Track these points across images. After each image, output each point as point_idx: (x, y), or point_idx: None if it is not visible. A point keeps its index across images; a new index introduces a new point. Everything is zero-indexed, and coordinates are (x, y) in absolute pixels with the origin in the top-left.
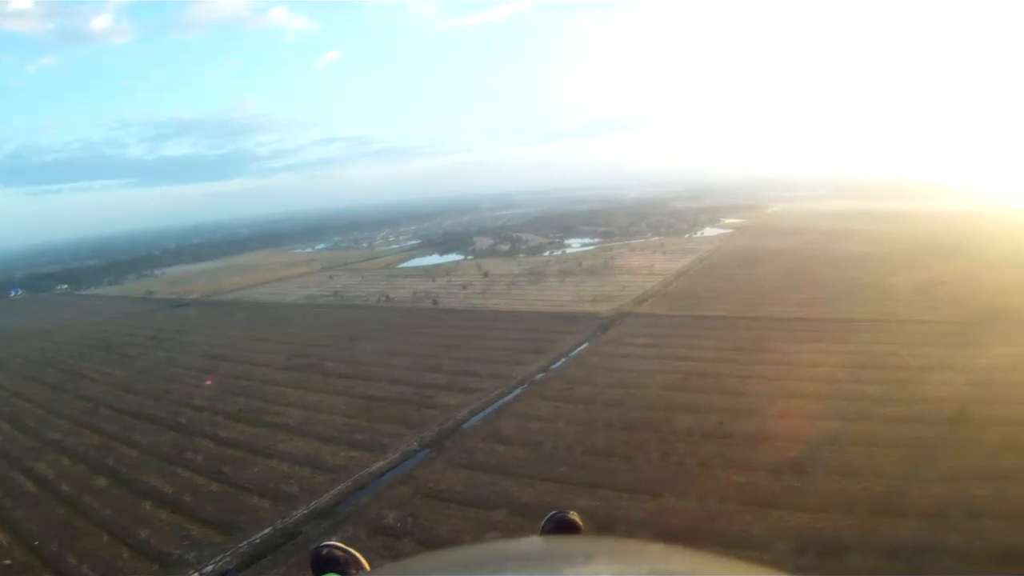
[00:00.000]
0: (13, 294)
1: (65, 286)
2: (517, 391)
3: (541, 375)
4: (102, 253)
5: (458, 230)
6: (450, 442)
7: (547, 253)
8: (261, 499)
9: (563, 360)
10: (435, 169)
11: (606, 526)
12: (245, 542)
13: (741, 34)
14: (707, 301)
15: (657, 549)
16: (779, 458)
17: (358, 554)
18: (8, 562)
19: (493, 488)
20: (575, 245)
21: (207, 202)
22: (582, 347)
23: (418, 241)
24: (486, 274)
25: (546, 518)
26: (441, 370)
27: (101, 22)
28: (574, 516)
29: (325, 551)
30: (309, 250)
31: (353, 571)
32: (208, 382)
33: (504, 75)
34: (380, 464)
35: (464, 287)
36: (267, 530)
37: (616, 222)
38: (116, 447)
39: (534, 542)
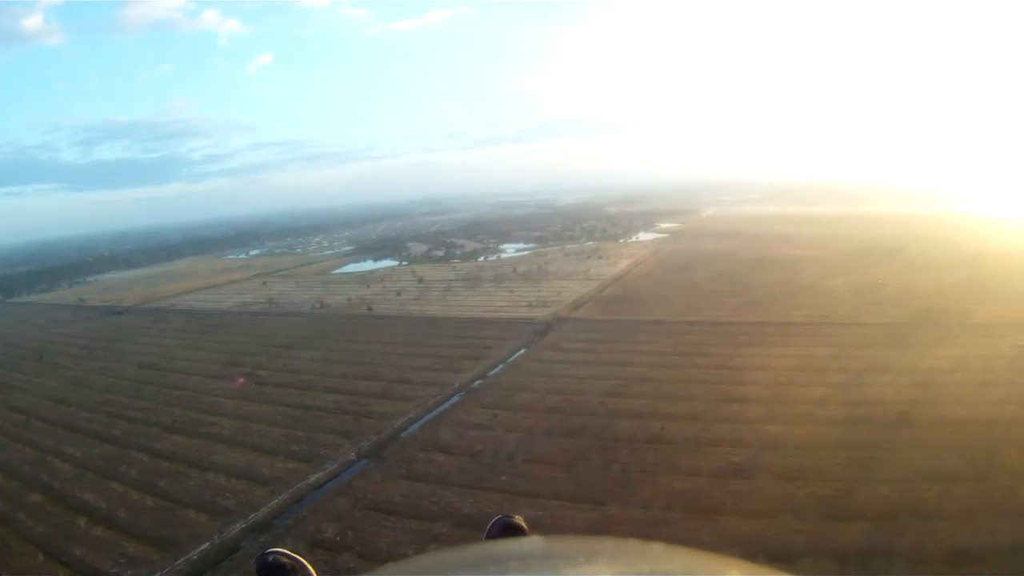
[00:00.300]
0: None
1: None
2: (455, 399)
3: (479, 382)
4: (34, 259)
5: (392, 235)
6: (388, 452)
7: (482, 258)
8: (198, 513)
9: (501, 366)
10: (369, 174)
11: None
12: (183, 558)
13: (682, 37)
14: (644, 305)
15: (657, 549)
16: (723, 463)
17: (304, 560)
18: None
19: (433, 499)
20: (510, 250)
21: (141, 207)
22: (519, 353)
23: (352, 247)
24: (421, 280)
25: (491, 523)
26: (377, 378)
27: (32, 22)
28: (519, 520)
29: (271, 558)
30: (243, 256)
31: None
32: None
33: (438, 81)
34: (318, 475)
35: (399, 293)
36: (205, 545)
37: (551, 227)
38: (50, 461)
39: (534, 542)
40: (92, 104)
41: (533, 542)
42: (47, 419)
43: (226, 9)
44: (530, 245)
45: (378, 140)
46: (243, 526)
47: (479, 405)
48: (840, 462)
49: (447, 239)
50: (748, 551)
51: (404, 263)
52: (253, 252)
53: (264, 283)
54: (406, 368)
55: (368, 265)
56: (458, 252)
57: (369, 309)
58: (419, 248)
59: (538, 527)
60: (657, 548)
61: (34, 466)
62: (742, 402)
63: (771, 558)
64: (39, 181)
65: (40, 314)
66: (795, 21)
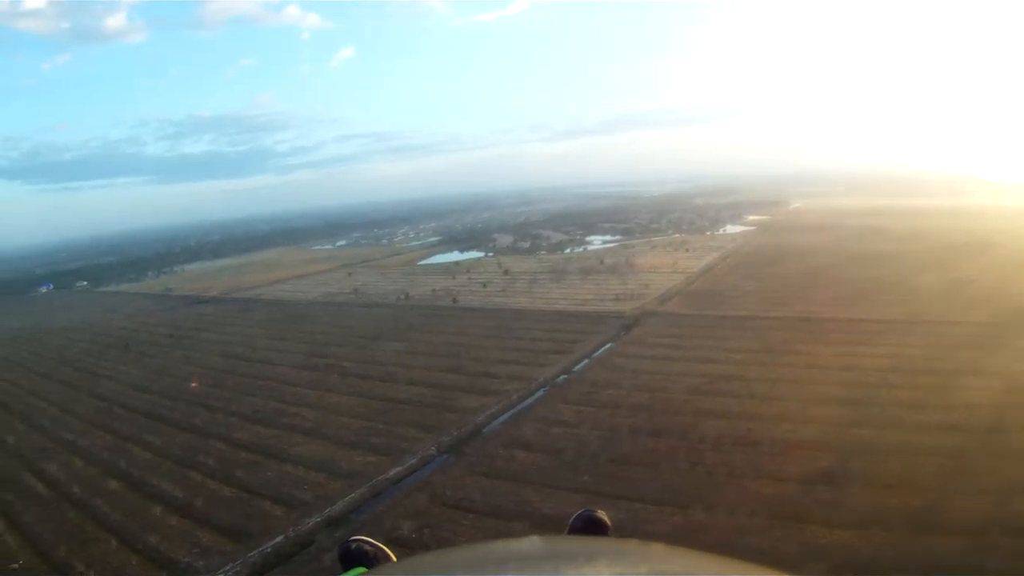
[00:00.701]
0: (44, 289)
1: (85, 283)
2: (539, 394)
3: (563, 377)
4: (122, 250)
5: (478, 227)
6: (469, 447)
7: (568, 250)
8: (274, 505)
9: (586, 361)
10: (455, 166)
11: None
12: (256, 551)
13: (766, 28)
14: (732, 300)
15: (657, 549)
16: (810, 468)
17: (387, 549)
18: (15, 566)
19: (513, 497)
20: (596, 242)
21: (227, 199)
22: (605, 347)
23: (438, 238)
24: (506, 272)
25: (574, 516)
26: (461, 371)
27: (115, 21)
28: (602, 515)
29: (354, 546)
30: (329, 247)
31: (382, 565)
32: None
33: (521, 72)
34: (397, 470)
35: (484, 285)
36: (279, 538)
37: (637, 219)
38: (129, 448)
39: (534, 542)
40: (176, 99)
41: (533, 542)
42: (129, 406)
43: (307, 4)
44: (616, 237)
45: (462, 132)
46: (318, 519)
47: (563, 401)
48: (932, 470)
49: (533, 230)
50: (834, 564)
51: (490, 254)
52: (339, 243)
53: (349, 274)
54: (490, 362)
55: (454, 256)
56: (544, 243)
57: (454, 301)
58: (505, 239)
59: (619, 531)
60: (657, 548)
61: (113, 453)
62: (832, 403)
63: (857, 573)
64: (126, 174)
65: (127, 303)
66: (882, 12)
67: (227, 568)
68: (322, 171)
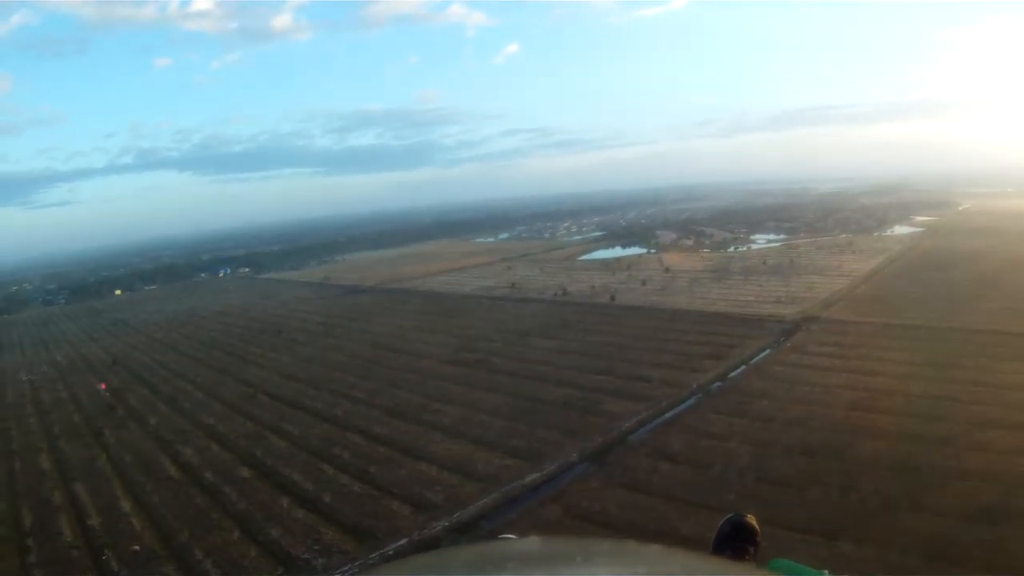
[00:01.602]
0: (222, 273)
1: (247, 269)
2: (690, 401)
3: (718, 384)
4: (287, 239)
5: (641, 223)
6: (612, 455)
7: (731, 249)
8: (402, 505)
9: (742, 368)
10: (618, 161)
11: None
12: (377, 553)
13: (939, 22)
14: (898, 308)
15: (656, 550)
16: (973, 502)
17: None
18: (136, 548)
19: (652, 514)
20: (760, 241)
21: (393, 190)
22: (763, 354)
23: (601, 233)
24: (667, 269)
25: (724, 520)
26: (612, 373)
27: (281, 21)
28: (751, 520)
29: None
30: (491, 240)
31: None
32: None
33: (684, 67)
34: (534, 476)
35: (644, 283)
36: (403, 541)
37: (803, 218)
38: (267, 437)
39: (534, 542)
40: (343, 95)
41: (532, 542)
42: (273, 394)
43: (472, 3)
44: (781, 236)
45: (627, 127)
46: (446, 524)
47: (715, 411)
48: None
49: (696, 227)
50: None
51: (652, 251)
52: (502, 236)
53: (509, 267)
54: (643, 364)
55: (615, 252)
56: (707, 241)
57: (612, 299)
58: (668, 236)
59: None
60: (656, 549)
61: (251, 440)
62: (999, 428)
63: None
64: (294, 165)
65: (285, 291)
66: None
67: (345, 569)
68: (487, 164)
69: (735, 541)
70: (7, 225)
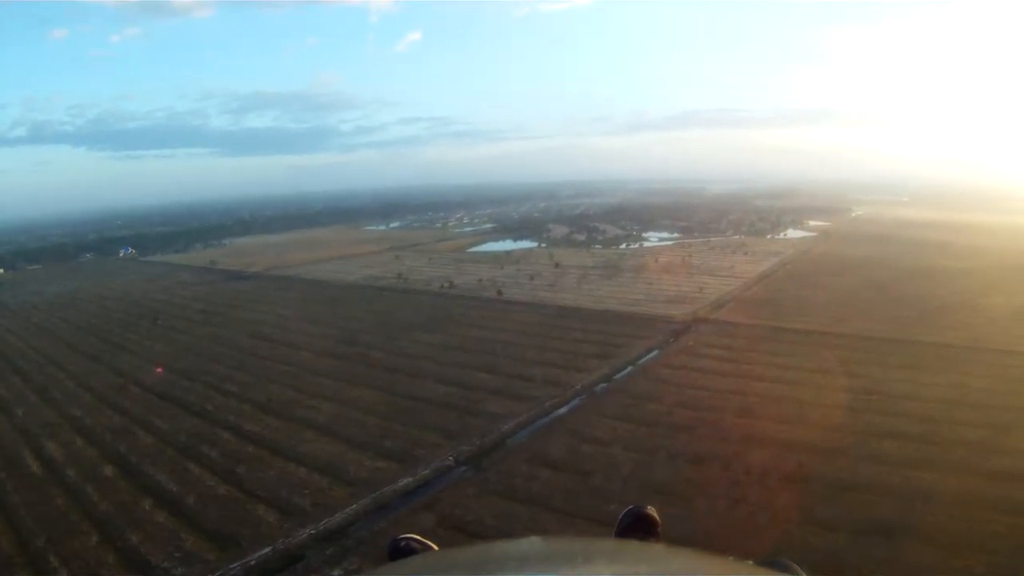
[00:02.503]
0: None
1: (132, 251)
2: (574, 402)
3: (603, 386)
4: (177, 220)
5: (534, 216)
6: (490, 460)
7: (623, 246)
8: (268, 510)
9: (629, 369)
10: (516, 154)
11: None
12: (239, 562)
13: (846, 27)
14: (789, 311)
15: (656, 549)
16: (864, 516)
17: (435, 547)
18: None
19: (529, 525)
20: (653, 239)
21: (289, 174)
22: (651, 355)
23: (492, 225)
24: (557, 264)
25: (623, 512)
26: (495, 371)
27: None
28: (652, 512)
29: (403, 543)
30: (383, 227)
31: None
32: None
33: (585, 63)
34: (406, 481)
35: (532, 277)
36: (267, 550)
37: (696, 217)
38: (134, 431)
39: (534, 542)
40: (242, 75)
41: (532, 542)
42: (145, 385)
43: None
44: (674, 235)
45: (525, 121)
46: (312, 532)
47: (599, 414)
48: (1001, 529)
49: (590, 223)
50: None
51: (543, 245)
52: (393, 224)
53: (397, 257)
54: (527, 362)
55: (506, 245)
56: (600, 237)
57: (499, 293)
58: (560, 230)
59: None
60: (656, 548)
61: (117, 435)
62: (891, 438)
63: None
64: (190, 145)
65: (168, 275)
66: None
67: None
68: (385, 152)
69: (636, 533)
70: None
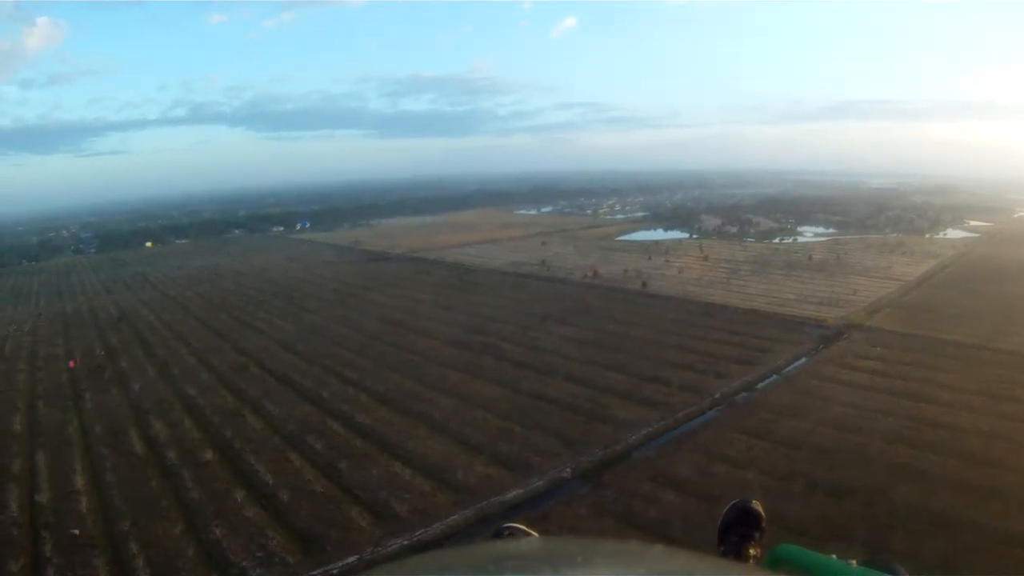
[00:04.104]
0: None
1: (281, 228)
2: (710, 414)
3: (744, 395)
4: (329, 199)
5: (687, 205)
6: (610, 475)
7: (776, 240)
8: (363, 513)
9: (773, 378)
10: (670, 141)
11: None
12: (320, 570)
13: (1012, 17)
14: (950, 321)
15: (657, 550)
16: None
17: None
18: (76, 532)
19: None
20: (807, 234)
21: (444, 157)
22: (798, 363)
23: (644, 213)
24: (706, 257)
25: (729, 506)
26: (627, 371)
27: None
28: (757, 506)
29: (507, 532)
30: (533, 212)
31: None
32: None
33: (741, 52)
34: (516, 492)
35: (680, 270)
36: (352, 559)
37: (853, 212)
38: (244, 415)
39: (534, 542)
40: (397, 59)
41: (532, 542)
42: (266, 366)
43: None
44: (830, 230)
45: (679, 108)
46: (405, 542)
47: (736, 429)
48: None
49: (742, 214)
50: None
51: (694, 236)
52: (544, 209)
53: (544, 243)
54: (664, 364)
55: (656, 234)
56: (752, 230)
57: (644, 285)
58: (712, 221)
59: None
60: (656, 549)
61: (226, 418)
62: None
63: None
64: (346, 127)
65: (311, 253)
66: None
67: None
68: (540, 136)
69: (741, 527)
70: (58, 172)
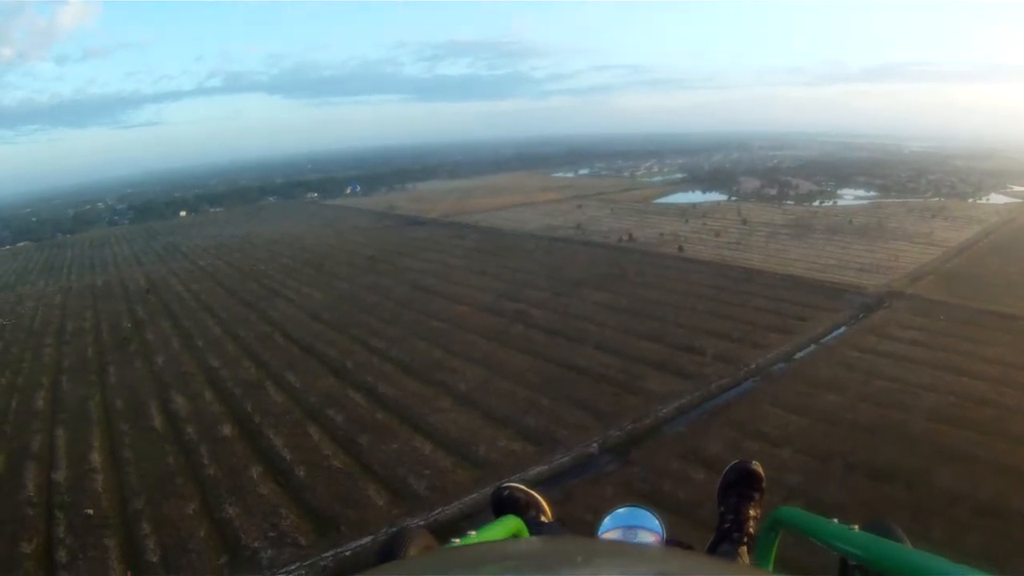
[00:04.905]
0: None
1: (315, 194)
2: (746, 385)
3: (781, 366)
4: (365, 164)
5: (725, 168)
6: (639, 451)
7: (816, 203)
8: (380, 490)
9: (812, 348)
10: (709, 103)
11: None
12: (331, 552)
13: None
14: (994, 290)
15: (658, 550)
16: None
17: (540, 498)
18: (90, 512)
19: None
20: (848, 197)
21: (482, 121)
22: (838, 332)
23: (682, 175)
24: (745, 221)
25: (728, 467)
26: (661, 339)
27: None
28: (757, 467)
29: (506, 492)
30: (570, 175)
31: (534, 513)
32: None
33: (782, 12)
34: (540, 469)
35: (717, 234)
36: (365, 539)
37: (894, 175)
38: (266, 388)
39: (534, 542)
40: (435, 24)
41: (532, 542)
42: (291, 336)
43: None
44: (871, 194)
45: (718, 70)
46: (421, 522)
47: (771, 402)
48: None
49: (781, 177)
50: None
51: (732, 199)
52: (581, 171)
53: (579, 206)
54: (699, 331)
55: (694, 197)
56: (791, 193)
57: (680, 249)
58: (751, 184)
59: None
60: (657, 549)
61: (248, 391)
62: None
63: None
64: (384, 92)
65: (345, 218)
66: None
67: (291, 568)
68: (577, 98)
69: (741, 487)
70: (94, 145)
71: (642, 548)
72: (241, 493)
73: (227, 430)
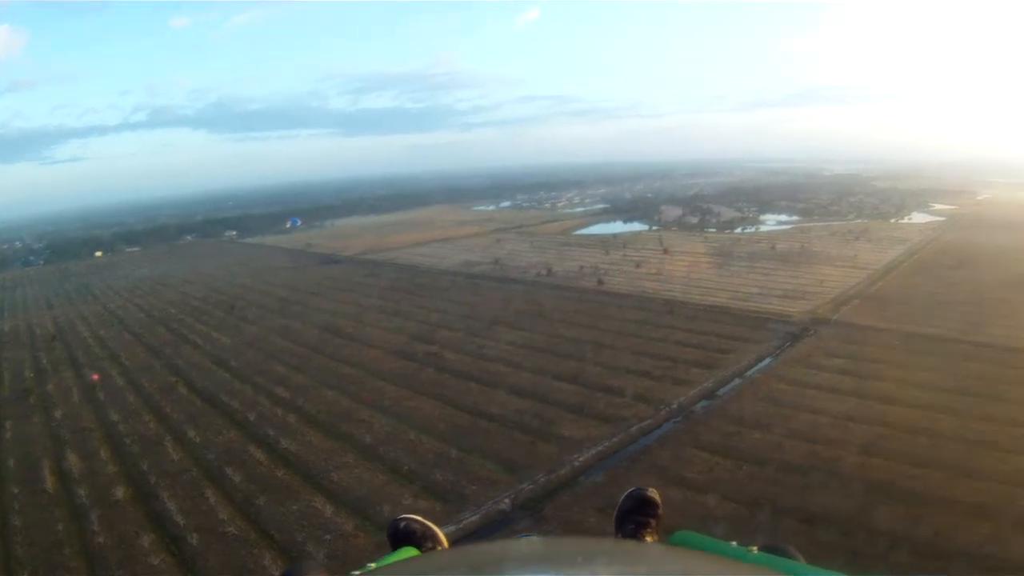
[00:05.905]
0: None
1: (234, 232)
2: (666, 427)
3: (704, 403)
4: (287, 201)
5: (648, 196)
6: (553, 506)
7: (739, 229)
8: (276, 559)
9: (736, 382)
10: (633, 132)
11: None
12: None
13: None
14: (921, 312)
15: (658, 550)
16: None
17: (436, 528)
18: None
19: None
20: (770, 222)
21: (406, 154)
22: (763, 364)
23: (604, 205)
24: (666, 251)
25: (625, 495)
26: (578, 380)
27: None
28: (653, 493)
29: (403, 524)
30: (491, 208)
31: (430, 545)
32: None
33: (704, 41)
34: (447, 529)
35: (638, 265)
36: None
37: (816, 199)
38: (164, 444)
39: (533, 542)
40: (361, 57)
41: (532, 543)
42: (194, 386)
43: None
44: (793, 218)
45: (643, 99)
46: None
47: (695, 444)
48: None
49: (703, 204)
50: None
51: (653, 228)
52: (503, 204)
53: (498, 240)
54: (618, 370)
55: (615, 227)
56: (713, 220)
57: (600, 282)
58: (672, 212)
59: None
60: (657, 549)
61: (146, 447)
62: None
63: None
64: (309, 126)
65: (261, 258)
66: None
67: None
68: (501, 130)
69: (637, 515)
70: (17, 181)
71: (642, 548)
72: (131, 564)
73: (121, 492)
